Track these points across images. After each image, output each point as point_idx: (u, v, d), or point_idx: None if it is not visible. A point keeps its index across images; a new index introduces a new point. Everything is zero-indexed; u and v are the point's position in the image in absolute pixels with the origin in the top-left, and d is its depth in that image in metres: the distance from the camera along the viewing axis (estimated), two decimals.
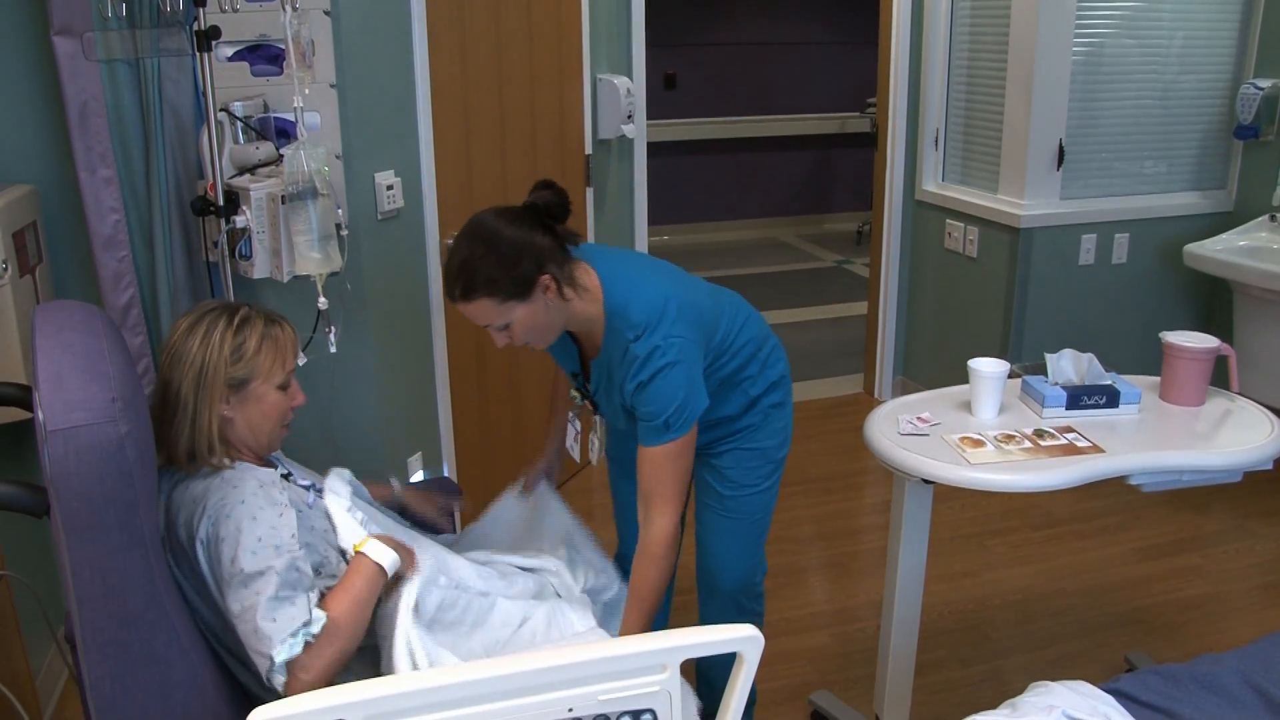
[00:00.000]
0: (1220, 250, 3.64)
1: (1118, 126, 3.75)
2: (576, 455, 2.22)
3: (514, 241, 1.71)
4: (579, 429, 2.18)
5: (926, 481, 1.98)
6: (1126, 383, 2.19)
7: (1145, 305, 3.94)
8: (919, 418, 2.12)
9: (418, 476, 2.91)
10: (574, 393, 2.07)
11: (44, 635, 2.44)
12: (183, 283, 2.32)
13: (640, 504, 1.85)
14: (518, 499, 2.18)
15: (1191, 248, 3.69)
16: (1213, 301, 4.00)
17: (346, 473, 1.85)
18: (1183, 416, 2.17)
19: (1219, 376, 2.22)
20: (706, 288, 1.99)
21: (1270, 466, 2.01)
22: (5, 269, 2.08)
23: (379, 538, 1.67)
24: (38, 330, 1.50)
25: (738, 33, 7.29)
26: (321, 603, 1.57)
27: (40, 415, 1.34)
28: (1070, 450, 1.98)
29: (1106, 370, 2.23)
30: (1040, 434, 2.05)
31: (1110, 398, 2.15)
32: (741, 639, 1.12)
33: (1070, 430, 2.07)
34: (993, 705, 1.64)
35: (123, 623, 1.42)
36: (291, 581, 1.53)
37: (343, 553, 1.69)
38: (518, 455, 3.42)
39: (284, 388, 1.70)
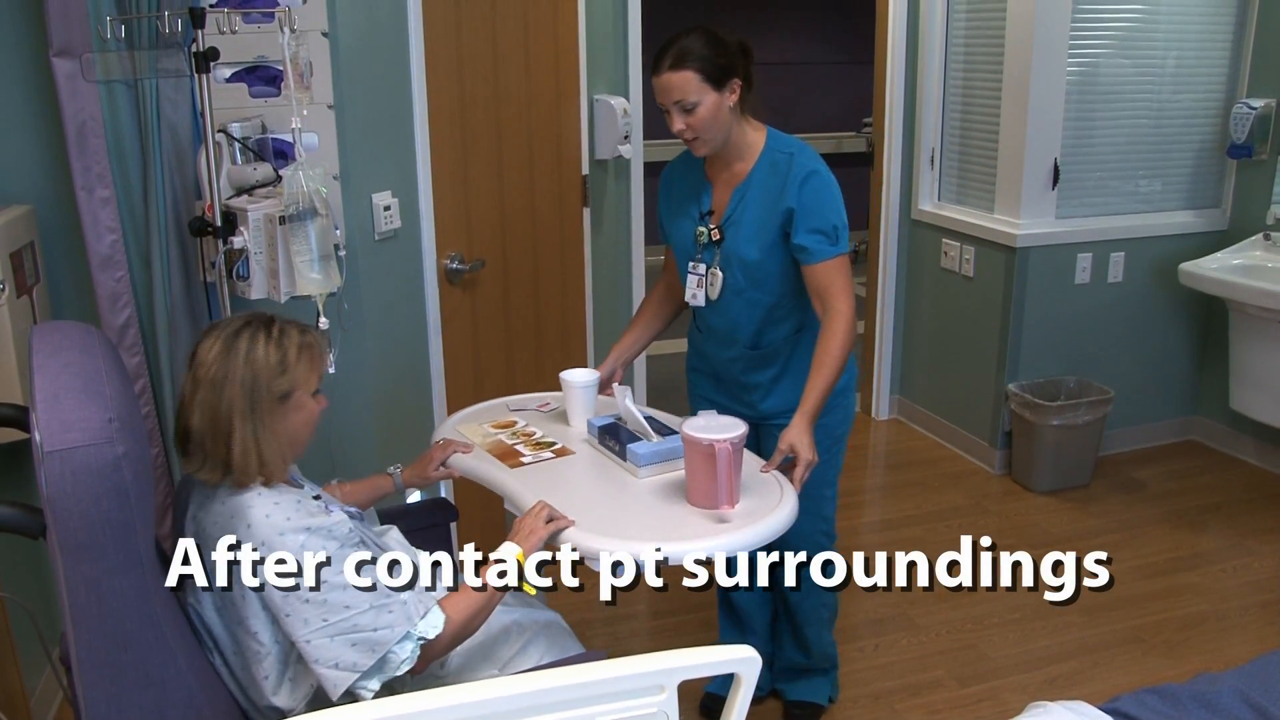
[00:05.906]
0: (1215, 269, 3.65)
1: (1112, 146, 3.77)
2: (702, 300, 2.28)
3: (726, 42, 2.09)
4: (702, 274, 2.28)
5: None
6: (656, 452, 1.96)
7: (1141, 324, 3.96)
8: (540, 405, 2.36)
9: (414, 497, 2.91)
10: (700, 229, 2.25)
11: (39, 656, 2.43)
12: (180, 303, 2.32)
13: (818, 303, 2.14)
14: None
15: (1187, 266, 3.70)
16: (1208, 319, 4.01)
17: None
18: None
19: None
20: None
21: None
22: (3, 289, 2.08)
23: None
24: (35, 350, 1.50)
25: None
26: (442, 603, 1.62)
27: (37, 436, 1.33)
28: (509, 455, 2.08)
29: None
30: (533, 440, 2.17)
31: (621, 451, 2.02)
32: (738, 660, 1.12)
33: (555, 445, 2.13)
34: None
35: (118, 644, 1.41)
36: (383, 589, 1.56)
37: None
38: None
39: (316, 394, 1.68)
